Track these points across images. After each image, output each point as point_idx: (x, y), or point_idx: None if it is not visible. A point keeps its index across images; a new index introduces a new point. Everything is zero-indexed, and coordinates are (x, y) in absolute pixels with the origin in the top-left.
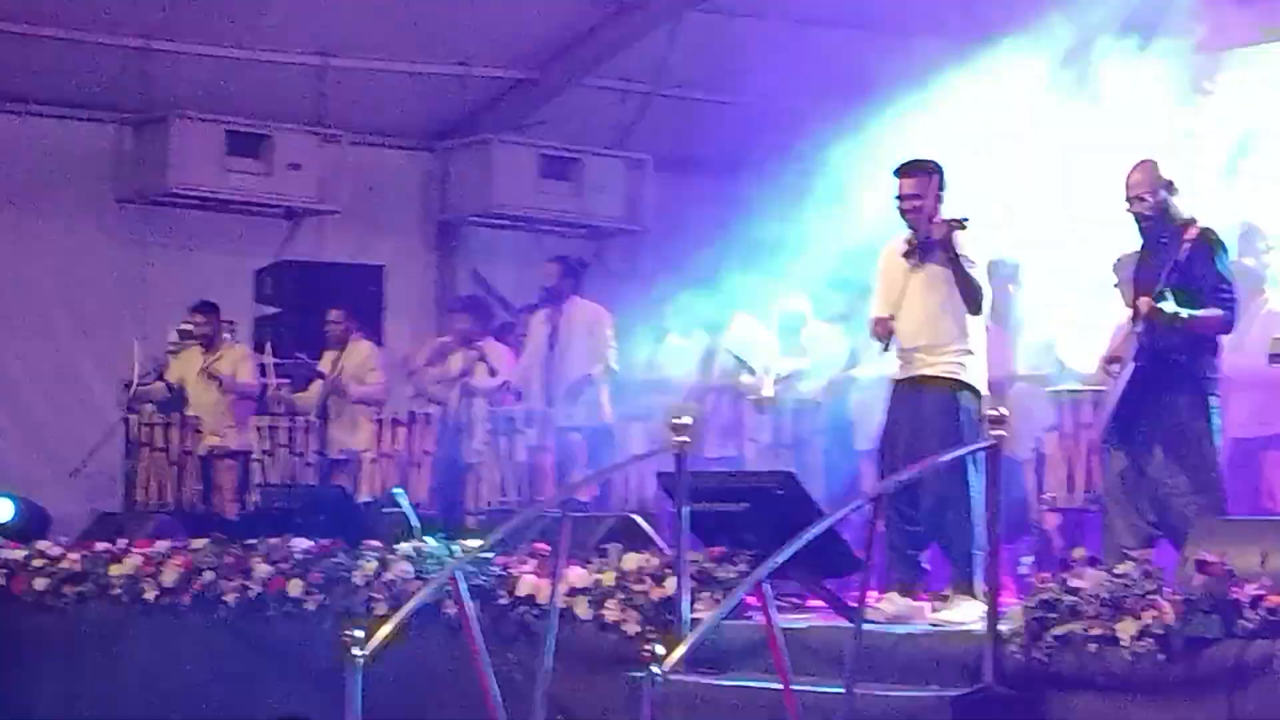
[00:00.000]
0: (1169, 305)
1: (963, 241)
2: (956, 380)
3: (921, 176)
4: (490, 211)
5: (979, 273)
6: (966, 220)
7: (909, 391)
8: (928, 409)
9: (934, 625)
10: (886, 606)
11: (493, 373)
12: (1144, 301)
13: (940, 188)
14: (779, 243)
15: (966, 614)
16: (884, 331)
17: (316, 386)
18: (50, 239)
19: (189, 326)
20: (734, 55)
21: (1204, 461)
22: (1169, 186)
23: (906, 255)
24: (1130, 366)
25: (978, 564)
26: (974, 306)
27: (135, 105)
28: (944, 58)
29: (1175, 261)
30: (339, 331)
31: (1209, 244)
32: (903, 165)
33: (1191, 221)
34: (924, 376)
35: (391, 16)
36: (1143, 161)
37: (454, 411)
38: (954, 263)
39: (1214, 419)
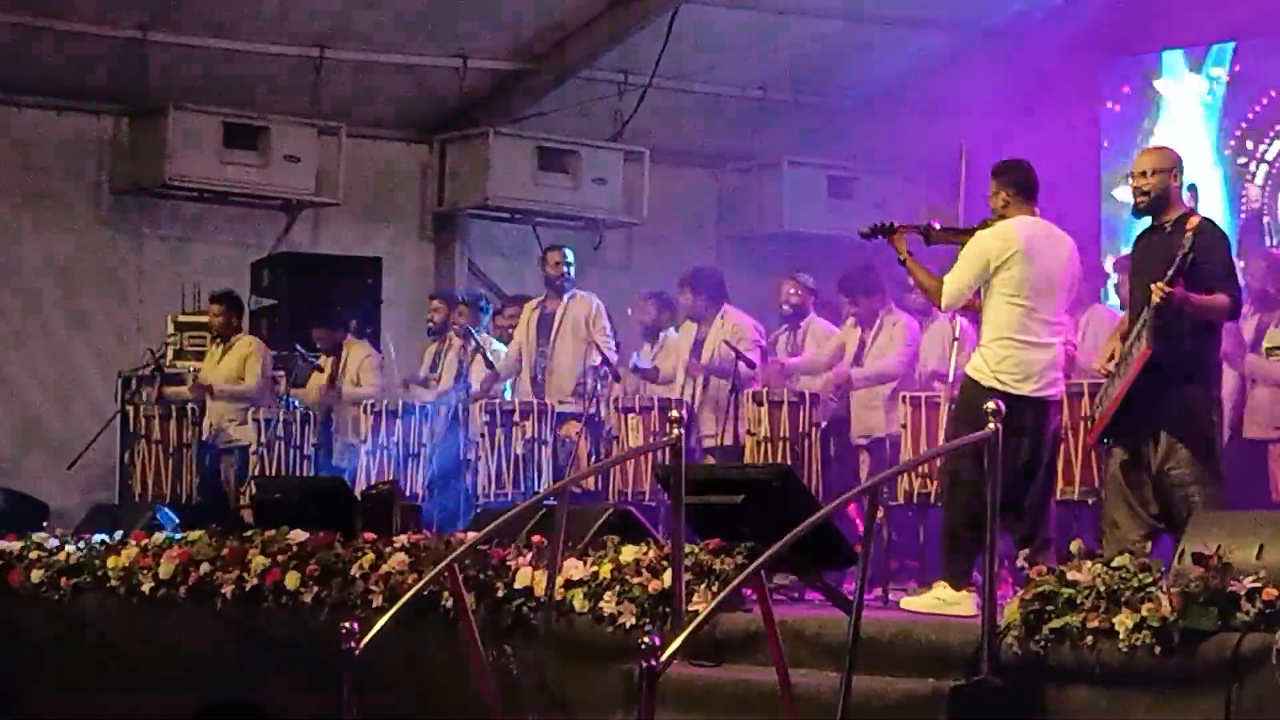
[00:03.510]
0: (1179, 291)
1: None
2: (968, 375)
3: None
4: (487, 203)
5: (957, 268)
6: (893, 224)
7: None
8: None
9: (915, 611)
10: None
11: (490, 365)
12: (1156, 287)
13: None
14: (776, 235)
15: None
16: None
17: (315, 381)
18: (47, 230)
19: (204, 319)
20: (730, 48)
21: (1208, 451)
22: (1174, 175)
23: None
24: (1137, 354)
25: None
26: (933, 300)
27: (132, 96)
28: (941, 49)
29: (1184, 251)
30: (338, 334)
31: (1211, 234)
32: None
33: (1191, 212)
34: None
35: (389, 7)
36: (1155, 146)
37: (451, 403)
38: (901, 264)
39: (1218, 410)
